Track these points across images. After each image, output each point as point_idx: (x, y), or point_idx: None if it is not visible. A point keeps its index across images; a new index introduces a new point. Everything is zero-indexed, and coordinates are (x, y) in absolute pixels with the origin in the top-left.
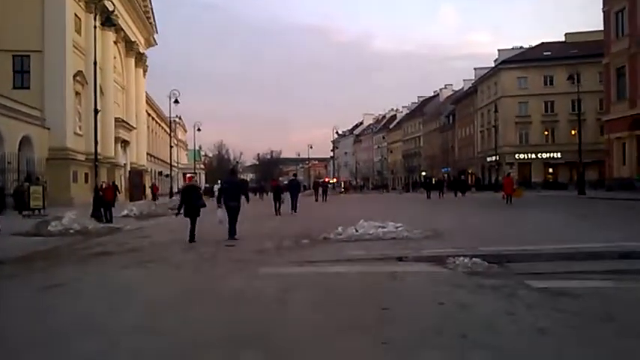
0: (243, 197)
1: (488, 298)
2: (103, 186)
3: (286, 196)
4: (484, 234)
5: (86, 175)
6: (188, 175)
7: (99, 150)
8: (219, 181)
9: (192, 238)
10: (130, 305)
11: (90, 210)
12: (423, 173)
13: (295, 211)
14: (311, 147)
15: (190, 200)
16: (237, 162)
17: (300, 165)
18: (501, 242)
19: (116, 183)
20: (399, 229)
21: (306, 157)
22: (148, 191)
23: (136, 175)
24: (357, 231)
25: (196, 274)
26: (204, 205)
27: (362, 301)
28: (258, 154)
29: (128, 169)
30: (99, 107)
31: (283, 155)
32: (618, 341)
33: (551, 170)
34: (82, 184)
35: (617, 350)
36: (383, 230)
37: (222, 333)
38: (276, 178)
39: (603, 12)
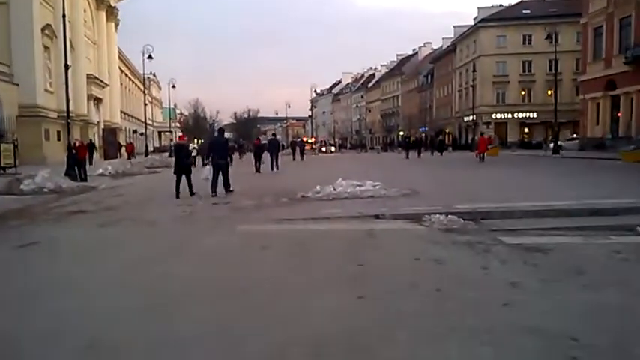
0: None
1: (462, 254)
2: (77, 144)
3: (266, 156)
4: (460, 192)
5: (59, 133)
6: (179, 135)
7: (71, 108)
8: (195, 141)
9: (177, 195)
10: (107, 263)
11: (64, 169)
12: (401, 133)
13: (277, 169)
14: (289, 106)
15: (181, 158)
16: (213, 120)
17: (278, 124)
18: (476, 200)
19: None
20: (377, 187)
21: (284, 116)
22: (124, 150)
23: (110, 134)
24: (335, 190)
25: (174, 232)
26: (193, 164)
27: (339, 257)
28: (235, 113)
29: (102, 127)
30: (69, 63)
31: (261, 114)
32: (585, 292)
33: (527, 130)
34: (54, 143)
35: (584, 301)
36: (361, 189)
37: (199, 289)
38: (259, 137)
39: None
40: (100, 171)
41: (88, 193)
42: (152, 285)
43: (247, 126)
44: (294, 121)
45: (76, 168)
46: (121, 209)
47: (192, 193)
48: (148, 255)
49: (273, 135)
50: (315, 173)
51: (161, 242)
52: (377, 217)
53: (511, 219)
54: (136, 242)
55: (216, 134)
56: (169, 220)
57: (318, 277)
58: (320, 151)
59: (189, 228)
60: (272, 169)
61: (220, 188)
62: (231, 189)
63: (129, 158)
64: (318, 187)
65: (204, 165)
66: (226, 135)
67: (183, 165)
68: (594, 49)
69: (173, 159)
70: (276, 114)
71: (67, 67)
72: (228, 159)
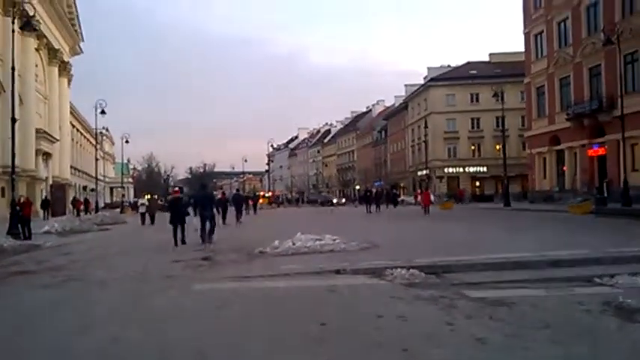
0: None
1: (427, 310)
2: (21, 200)
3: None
4: (419, 245)
5: (2, 189)
6: (175, 189)
7: (18, 162)
8: (145, 197)
9: (176, 243)
10: (48, 329)
11: (7, 226)
12: (357, 187)
13: (241, 222)
14: (245, 160)
15: (176, 210)
16: (168, 175)
17: (235, 178)
18: (436, 253)
19: (33, 197)
20: (336, 241)
21: (241, 170)
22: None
23: (58, 190)
24: (294, 244)
25: (123, 292)
26: (189, 214)
27: (300, 316)
28: (191, 168)
29: (50, 182)
30: (19, 117)
31: (217, 168)
32: (553, 347)
33: (478, 183)
34: None
35: (552, 357)
36: (320, 243)
37: (154, 353)
38: (224, 191)
39: (524, 34)
40: (47, 228)
41: (32, 252)
42: (98, 353)
43: (203, 181)
44: (251, 176)
45: (19, 226)
46: (67, 268)
47: (183, 242)
48: (93, 319)
49: (237, 190)
50: (273, 227)
51: (109, 304)
52: (338, 272)
53: (472, 272)
54: (81, 305)
55: (198, 190)
56: (119, 279)
57: (278, 339)
58: (270, 204)
59: (140, 287)
60: (238, 220)
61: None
62: (212, 241)
63: (78, 215)
64: (276, 242)
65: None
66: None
67: (178, 216)
68: (538, 107)
69: (168, 213)
70: (233, 168)
71: (13, 120)
72: (214, 211)
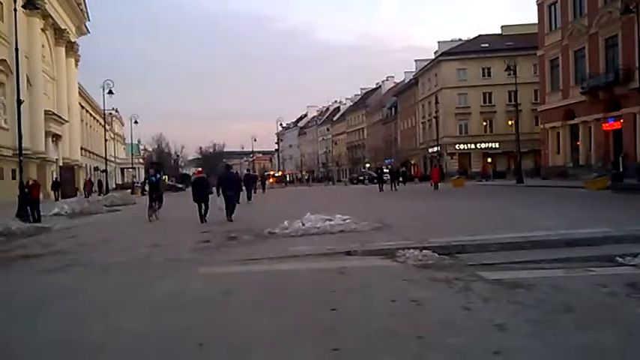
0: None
1: (442, 293)
2: (30, 183)
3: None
4: (432, 225)
5: (13, 171)
6: (198, 169)
7: (28, 144)
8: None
9: (202, 219)
10: (49, 316)
11: (17, 209)
12: (367, 165)
13: (251, 200)
14: (255, 140)
15: (200, 189)
16: (177, 155)
17: (245, 158)
18: (450, 233)
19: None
20: (347, 221)
21: (251, 150)
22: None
23: (68, 171)
24: (303, 225)
25: (128, 276)
26: (212, 192)
27: (310, 301)
28: (201, 148)
29: (60, 164)
30: (27, 99)
31: (227, 148)
32: (580, 334)
33: (489, 160)
34: (8, 181)
35: (582, 345)
36: (330, 223)
37: (154, 344)
38: (237, 171)
39: (537, 5)
40: (56, 210)
41: (40, 234)
42: (101, 343)
43: (213, 160)
44: (261, 155)
45: (28, 208)
46: (72, 252)
47: (205, 220)
48: (95, 306)
49: (248, 170)
50: (282, 207)
51: (112, 290)
52: (348, 253)
53: (487, 252)
54: (84, 291)
55: (224, 170)
56: (124, 263)
57: (287, 326)
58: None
59: (145, 272)
60: (248, 199)
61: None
62: (232, 219)
63: (87, 196)
64: (285, 223)
65: (217, 195)
66: (186, 170)
67: (202, 195)
68: (552, 80)
69: (190, 190)
70: (242, 148)
71: (19, 102)
72: (236, 191)
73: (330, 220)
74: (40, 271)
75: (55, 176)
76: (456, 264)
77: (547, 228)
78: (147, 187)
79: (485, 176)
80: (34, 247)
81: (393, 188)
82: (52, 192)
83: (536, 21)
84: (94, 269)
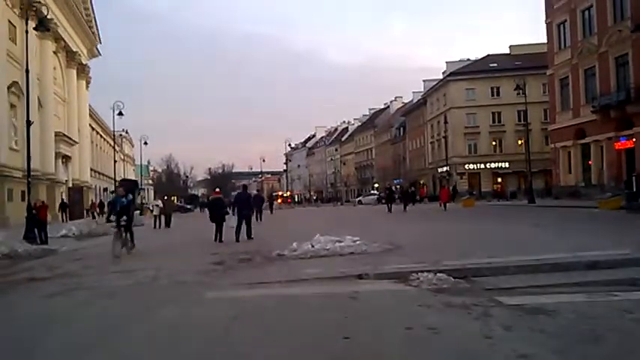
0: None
1: (460, 320)
2: (37, 204)
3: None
4: (445, 246)
5: (23, 192)
6: (217, 190)
7: (37, 166)
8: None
9: (219, 239)
10: (47, 343)
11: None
12: (376, 185)
13: (261, 220)
14: (263, 160)
15: (216, 209)
16: (187, 176)
17: (253, 179)
18: (464, 254)
19: (53, 201)
20: (357, 243)
21: (259, 170)
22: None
23: (76, 192)
24: (312, 246)
25: (131, 302)
26: (228, 213)
27: (320, 329)
28: (210, 169)
29: (70, 185)
30: (38, 120)
31: (236, 169)
32: None
33: (499, 180)
34: (17, 203)
35: None
36: (340, 245)
37: None
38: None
39: (546, 24)
40: (64, 232)
41: (47, 257)
42: None
43: (222, 181)
44: (269, 176)
45: (36, 230)
46: (78, 275)
47: (221, 240)
48: (96, 334)
49: (257, 190)
50: (291, 228)
51: (116, 316)
52: (360, 277)
53: (504, 275)
54: (86, 316)
55: (240, 190)
56: (130, 287)
57: (297, 356)
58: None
59: (151, 296)
60: (257, 220)
61: (243, 236)
62: (252, 236)
63: (94, 217)
64: (294, 244)
65: (232, 215)
66: (194, 191)
67: (218, 215)
68: (562, 99)
69: (207, 211)
70: (251, 169)
71: (29, 123)
72: (252, 211)
73: (340, 241)
74: (44, 295)
75: (62, 197)
76: (472, 288)
77: (564, 250)
78: (113, 216)
79: (504, 196)
80: (39, 269)
81: (405, 209)
82: (60, 213)
83: (544, 40)
84: (99, 293)
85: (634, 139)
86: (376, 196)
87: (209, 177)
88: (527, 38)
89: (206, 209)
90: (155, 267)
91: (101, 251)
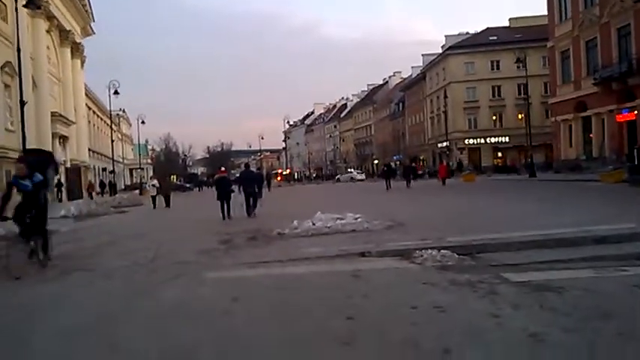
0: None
1: (466, 298)
2: None
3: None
4: (447, 222)
5: None
6: (222, 169)
7: (35, 146)
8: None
9: (226, 216)
10: (43, 328)
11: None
12: (376, 161)
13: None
14: (262, 138)
15: (223, 187)
16: (185, 155)
17: (252, 157)
18: (467, 230)
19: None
20: (359, 220)
21: (258, 148)
22: (98, 188)
23: (74, 173)
24: (313, 224)
25: (131, 283)
26: (234, 191)
27: (323, 309)
28: (208, 147)
29: (68, 166)
30: (33, 100)
31: (234, 147)
32: (628, 344)
33: (500, 154)
34: None
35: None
36: (341, 222)
37: None
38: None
39: None
40: (63, 212)
41: None
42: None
43: (221, 159)
44: (268, 153)
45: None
46: (75, 257)
47: (230, 216)
48: (93, 317)
49: (258, 169)
50: (291, 206)
51: (114, 298)
52: (362, 254)
53: (509, 251)
54: (83, 300)
55: (243, 169)
56: (128, 267)
57: (300, 338)
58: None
59: (149, 277)
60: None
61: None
62: (254, 213)
63: (91, 198)
64: (295, 223)
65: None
66: (194, 170)
67: (224, 193)
68: (563, 72)
69: (214, 189)
70: (250, 146)
71: (22, 103)
72: (257, 188)
73: (342, 219)
74: (42, 277)
75: (57, 178)
76: (477, 265)
77: (569, 224)
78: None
79: (517, 170)
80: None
81: (408, 185)
82: (57, 193)
83: (544, 13)
84: (95, 275)
85: (636, 112)
86: (351, 174)
87: (208, 156)
88: (527, 11)
89: (204, 188)
90: (155, 246)
91: (99, 232)
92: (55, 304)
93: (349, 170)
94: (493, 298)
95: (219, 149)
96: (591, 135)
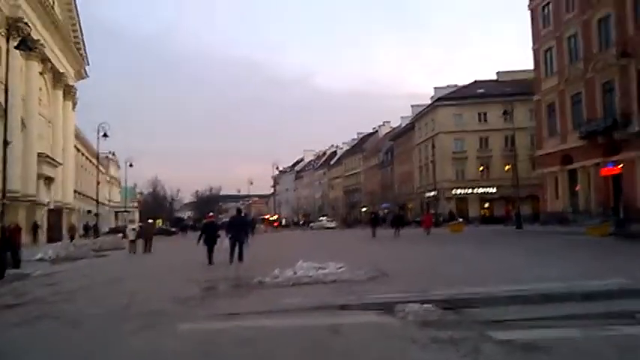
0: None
1: (447, 357)
2: (11, 227)
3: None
4: (433, 274)
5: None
6: (210, 214)
7: (18, 187)
8: (131, 222)
9: (210, 262)
10: None
11: None
12: (364, 209)
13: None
14: (251, 183)
15: (209, 233)
16: (173, 199)
17: (241, 202)
18: (452, 283)
19: (37, 222)
20: (341, 270)
21: (247, 193)
22: (82, 230)
23: (55, 215)
24: (295, 273)
25: (98, 333)
26: (219, 236)
27: None
28: (197, 191)
29: (52, 207)
30: (21, 141)
31: (223, 192)
32: None
33: (487, 205)
34: None
35: None
36: (323, 272)
37: None
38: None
39: (533, 51)
40: (40, 255)
41: (18, 281)
42: None
43: (209, 204)
44: (257, 199)
45: (8, 253)
46: (46, 302)
47: (212, 262)
48: None
49: (245, 214)
50: (275, 253)
51: (79, 349)
52: (343, 307)
53: (495, 306)
54: (47, 349)
55: (234, 214)
56: (98, 315)
57: None
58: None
59: (120, 326)
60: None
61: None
62: (242, 259)
63: (72, 240)
64: (276, 271)
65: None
66: (181, 214)
67: (211, 238)
68: (549, 125)
69: (200, 234)
70: (239, 191)
71: (5, 143)
72: (244, 234)
73: (324, 268)
74: (7, 324)
75: (35, 219)
76: (461, 320)
77: (557, 278)
78: None
79: (509, 219)
80: (7, 296)
81: (397, 234)
82: (32, 235)
83: (531, 67)
84: (65, 322)
85: (621, 165)
86: (323, 222)
87: (196, 199)
88: (515, 64)
89: (189, 232)
90: (130, 292)
91: (75, 276)
92: (18, 352)
93: (320, 219)
94: (476, 358)
95: (208, 193)
96: (577, 188)
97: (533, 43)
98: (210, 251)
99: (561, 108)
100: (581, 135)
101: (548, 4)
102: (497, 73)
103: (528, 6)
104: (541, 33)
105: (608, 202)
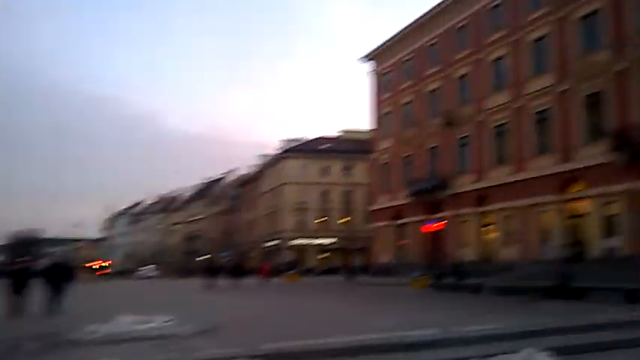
0: None
1: None
2: None
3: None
4: (264, 325)
5: None
6: (22, 259)
7: None
8: None
9: (19, 312)
10: None
11: None
12: (205, 256)
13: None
14: (78, 226)
15: (21, 279)
16: None
17: (69, 246)
18: (282, 336)
19: None
20: (169, 323)
21: (74, 237)
22: None
23: None
24: (115, 329)
25: None
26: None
27: None
28: (13, 233)
29: None
30: None
31: (50, 234)
32: None
33: (326, 255)
34: None
35: None
36: (149, 326)
37: None
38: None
39: (373, 113)
40: None
41: None
42: None
43: (28, 248)
44: (84, 244)
45: None
46: None
47: (23, 313)
48: None
49: (65, 261)
50: (98, 305)
51: None
52: None
53: (325, 358)
54: None
55: (51, 260)
56: None
57: None
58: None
59: None
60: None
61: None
62: (62, 310)
63: None
64: (94, 326)
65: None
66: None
67: (22, 285)
68: (382, 182)
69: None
70: (66, 235)
71: None
72: (64, 283)
73: (149, 322)
74: None
75: None
76: None
77: (382, 329)
78: None
79: (353, 271)
80: None
81: (236, 284)
82: None
83: (372, 127)
84: None
85: (443, 222)
86: (146, 271)
87: (11, 242)
88: (360, 123)
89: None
90: None
91: None
92: None
93: (143, 268)
94: None
95: (27, 236)
96: (401, 242)
97: (373, 106)
98: (17, 301)
99: (394, 167)
100: (410, 193)
101: (389, 72)
102: (341, 131)
103: (370, 72)
104: (381, 98)
105: (429, 256)
